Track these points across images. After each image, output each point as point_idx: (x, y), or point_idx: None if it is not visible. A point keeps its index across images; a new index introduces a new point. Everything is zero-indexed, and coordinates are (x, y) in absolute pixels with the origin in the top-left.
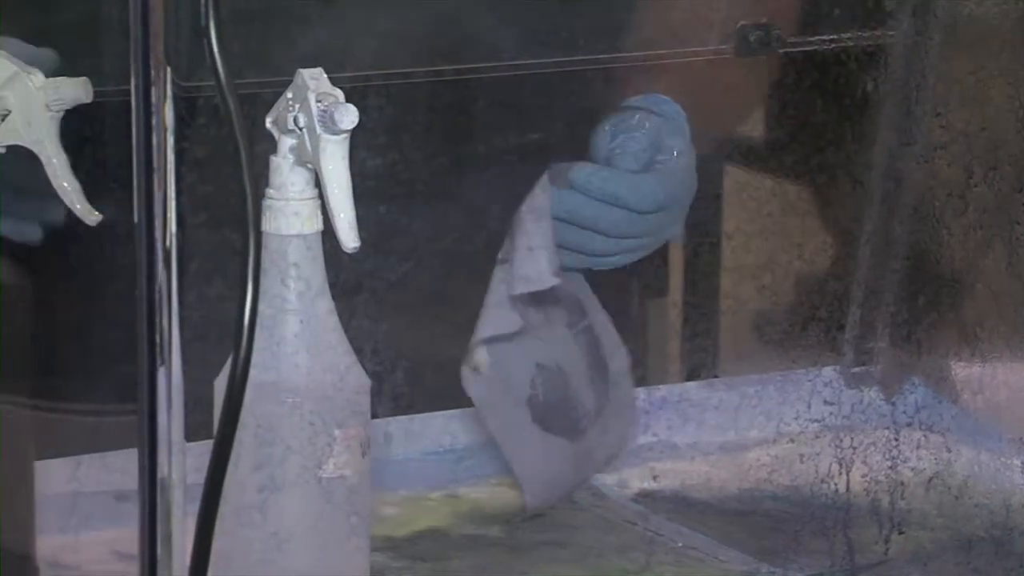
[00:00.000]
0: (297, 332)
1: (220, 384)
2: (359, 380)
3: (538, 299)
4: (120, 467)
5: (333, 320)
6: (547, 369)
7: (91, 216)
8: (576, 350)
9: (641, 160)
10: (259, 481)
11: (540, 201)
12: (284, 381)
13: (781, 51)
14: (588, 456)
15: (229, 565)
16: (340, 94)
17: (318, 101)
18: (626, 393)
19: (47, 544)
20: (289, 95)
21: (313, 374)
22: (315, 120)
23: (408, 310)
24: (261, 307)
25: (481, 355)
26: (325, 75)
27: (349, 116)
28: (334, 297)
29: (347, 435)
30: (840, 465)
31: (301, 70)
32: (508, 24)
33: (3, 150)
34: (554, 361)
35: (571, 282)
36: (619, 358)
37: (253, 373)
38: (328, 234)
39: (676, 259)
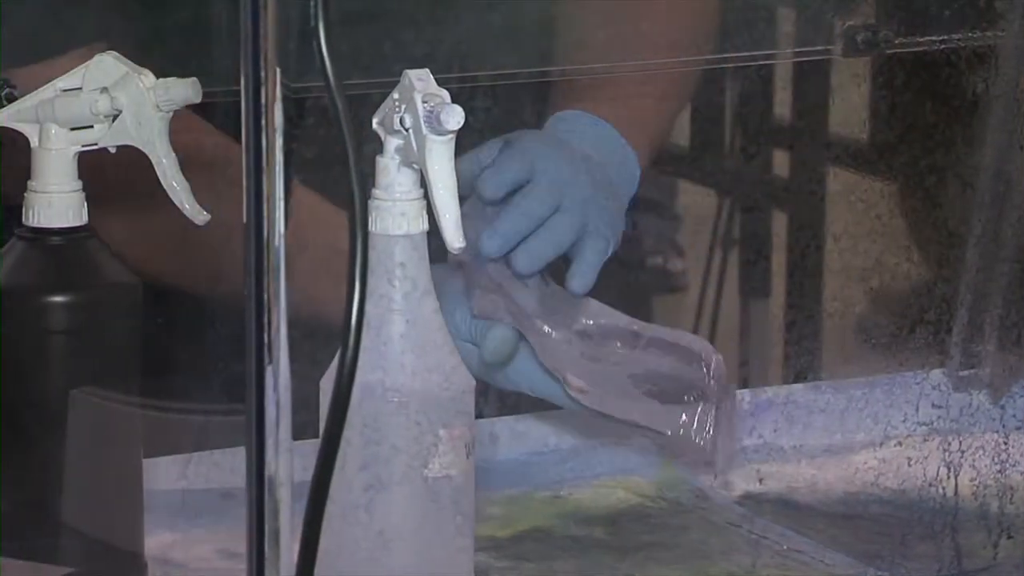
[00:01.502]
0: (403, 332)
1: (326, 383)
2: (464, 380)
3: (592, 340)
4: (228, 465)
5: (439, 320)
6: (639, 377)
7: (200, 215)
8: (654, 362)
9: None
10: (365, 480)
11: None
12: (390, 381)
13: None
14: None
15: (335, 563)
16: (446, 95)
17: (424, 102)
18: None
19: (155, 541)
20: (396, 96)
21: (419, 374)
22: (421, 121)
23: None
24: (368, 307)
25: (575, 381)
26: (431, 76)
27: (455, 117)
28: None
29: (452, 435)
30: (948, 469)
31: (408, 71)
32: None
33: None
34: (643, 370)
35: (605, 316)
36: (698, 358)
37: (359, 373)
38: (433, 234)
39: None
